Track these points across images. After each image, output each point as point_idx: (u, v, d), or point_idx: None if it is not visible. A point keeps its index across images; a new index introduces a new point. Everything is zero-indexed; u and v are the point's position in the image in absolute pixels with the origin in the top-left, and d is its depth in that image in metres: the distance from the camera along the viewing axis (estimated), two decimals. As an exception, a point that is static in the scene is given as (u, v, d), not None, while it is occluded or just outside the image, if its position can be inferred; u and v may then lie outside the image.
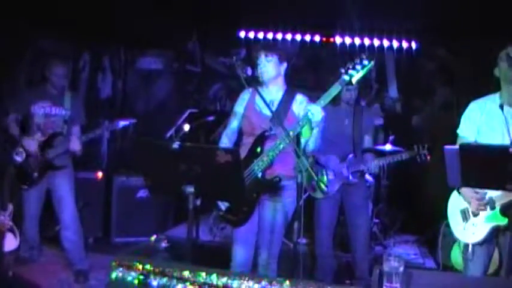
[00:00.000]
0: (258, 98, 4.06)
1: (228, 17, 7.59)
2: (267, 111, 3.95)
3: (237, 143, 4.21)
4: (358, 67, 3.66)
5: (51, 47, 6.56)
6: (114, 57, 8.34)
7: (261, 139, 3.93)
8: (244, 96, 4.21)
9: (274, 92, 4.08)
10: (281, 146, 3.80)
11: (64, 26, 6.68)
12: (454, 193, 3.98)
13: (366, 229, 5.27)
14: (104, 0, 6.62)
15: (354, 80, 3.67)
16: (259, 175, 3.84)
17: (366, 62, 3.67)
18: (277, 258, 4.10)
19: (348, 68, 3.66)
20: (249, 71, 3.87)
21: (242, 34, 8.27)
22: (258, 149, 3.89)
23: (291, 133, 3.67)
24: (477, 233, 3.73)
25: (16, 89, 5.75)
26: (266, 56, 4.02)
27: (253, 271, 4.07)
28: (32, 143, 5.09)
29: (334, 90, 3.68)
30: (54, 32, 6.67)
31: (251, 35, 8.26)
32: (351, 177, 5.06)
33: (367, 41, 8.02)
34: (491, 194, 3.67)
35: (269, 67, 4.02)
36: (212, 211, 3.96)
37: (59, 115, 5.25)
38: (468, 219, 3.79)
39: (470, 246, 3.77)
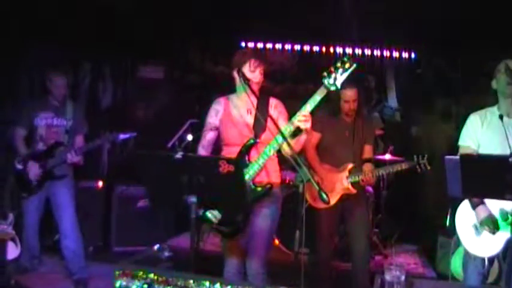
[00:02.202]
0: (233, 107, 4.08)
1: (229, 27, 7.63)
2: (247, 119, 4.00)
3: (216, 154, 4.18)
4: (341, 70, 3.67)
5: (51, 57, 6.59)
6: (115, 66, 8.37)
7: (248, 148, 3.91)
8: (218, 107, 4.15)
9: (249, 100, 4.00)
10: (271, 152, 3.81)
11: (65, 36, 6.71)
12: (462, 208, 3.98)
13: (365, 239, 5.27)
14: (104, 9, 6.66)
15: (337, 83, 3.68)
16: (251, 184, 3.84)
17: (348, 65, 3.68)
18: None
19: (331, 72, 3.68)
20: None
21: (243, 44, 8.30)
22: (246, 158, 3.89)
23: (280, 139, 3.70)
24: (493, 246, 3.73)
25: (18, 100, 5.78)
26: (263, 68, 4.03)
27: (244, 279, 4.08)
28: (35, 169, 5.15)
29: (319, 94, 3.69)
30: (54, 42, 6.70)
31: (251, 45, 8.30)
32: (351, 188, 5.09)
33: (367, 52, 8.08)
34: (503, 205, 3.68)
35: (260, 79, 4.01)
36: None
37: (61, 126, 5.29)
38: (481, 233, 3.79)
39: (486, 260, 3.78)
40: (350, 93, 5.06)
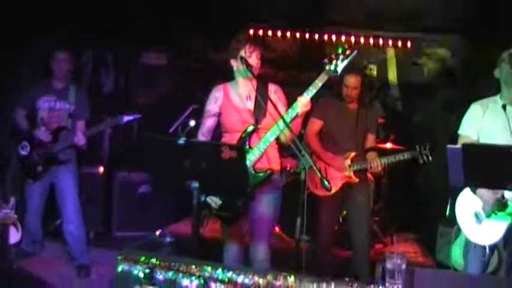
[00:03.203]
0: (233, 94, 4.08)
1: (232, 13, 7.60)
2: (247, 105, 4.02)
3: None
4: (342, 57, 3.69)
5: (54, 42, 6.57)
6: (117, 53, 8.34)
7: (248, 134, 3.92)
8: (217, 94, 4.13)
9: (248, 85, 4.06)
10: (272, 138, 3.83)
11: (67, 21, 6.69)
12: (463, 196, 3.98)
13: (366, 227, 5.28)
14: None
15: (338, 69, 3.70)
16: (252, 170, 3.84)
17: (348, 52, 3.70)
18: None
19: (332, 58, 3.70)
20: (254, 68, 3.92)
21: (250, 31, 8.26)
22: (246, 144, 3.89)
23: (281, 124, 3.72)
24: (494, 234, 3.73)
25: (21, 84, 5.77)
26: (259, 53, 4.03)
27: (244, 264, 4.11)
28: (45, 134, 5.15)
29: (320, 80, 3.71)
30: (57, 27, 6.68)
31: (255, 32, 8.27)
32: (353, 176, 5.10)
33: (370, 40, 8.05)
34: (503, 192, 3.68)
35: (257, 63, 3.99)
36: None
37: (64, 109, 5.28)
38: (482, 221, 3.80)
39: (487, 248, 3.78)
40: (352, 80, 5.07)
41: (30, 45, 6.65)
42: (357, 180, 5.12)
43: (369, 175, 6.17)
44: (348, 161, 5.10)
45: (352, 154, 5.11)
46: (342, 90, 5.15)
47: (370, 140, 5.33)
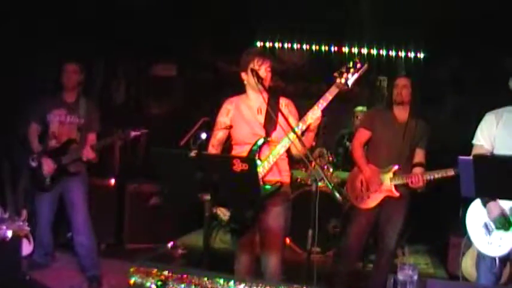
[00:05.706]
0: (244, 107, 4.10)
1: (243, 25, 7.64)
2: (258, 118, 4.03)
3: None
4: (352, 70, 3.70)
5: (65, 54, 6.62)
6: (128, 64, 8.39)
7: (259, 147, 3.94)
8: (229, 107, 4.17)
9: (259, 98, 4.06)
10: (281, 150, 3.85)
11: (78, 34, 6.74)
12: (473, 207, 3.98)
13: (395, 243, 5.21)
14: (118, 7, 6.69)
15: (349, 83, 3.70)
16: (261, 182, 3.81)
17: (359, 65, 3.71)
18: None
19: (342, 72, 3.70)
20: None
21: (257, 44, 8.29)
22: (256, 157, 3.90)
23: (291, 136, 3.73)
24: (503, 245, 3.73)
25: (32, 97, 5.81)
26: (269, 65, 4.04)
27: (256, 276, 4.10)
28: (49, 165, 5.18)
29: (330, 93, 3.73)
30: (68, 39, 6.73)
31: (266, 44, 8.30)
32: (394, 190, 5.01)
33: (381, 52, 8.08)
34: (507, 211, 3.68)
35: (267, 76, 4.01)
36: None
37: (74, 123, 5.30)
38: (492, 232, 3.79)
39: (497, 260, 3.77)
40: (401, 79, 5.04)
41: (40, 57, 6.71)
42: (397, 194, 4.99)
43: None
44: (390, 174, 4.99)
45: (395, 167, 4.98)
46: (393, 94, 5.05)
47: (419, 155, 5.13)
